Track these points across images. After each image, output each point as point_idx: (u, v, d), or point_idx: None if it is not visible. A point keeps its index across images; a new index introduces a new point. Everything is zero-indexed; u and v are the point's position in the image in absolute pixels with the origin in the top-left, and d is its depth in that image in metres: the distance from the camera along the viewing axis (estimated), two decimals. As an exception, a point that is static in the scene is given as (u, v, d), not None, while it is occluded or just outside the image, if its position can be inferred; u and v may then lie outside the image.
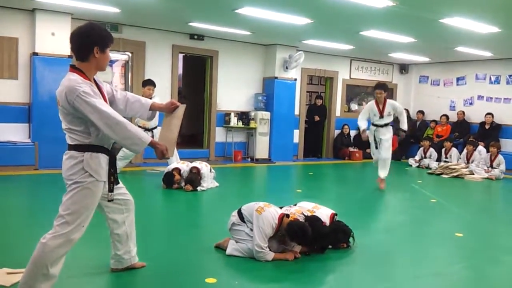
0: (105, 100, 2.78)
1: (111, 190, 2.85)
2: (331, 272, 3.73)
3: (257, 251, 3.66)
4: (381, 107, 7.18)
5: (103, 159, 2.77)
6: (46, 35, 7.67)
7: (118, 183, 2.99)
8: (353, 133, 12.09)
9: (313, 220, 3.90)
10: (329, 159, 11.75)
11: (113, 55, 9.36)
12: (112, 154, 2.85)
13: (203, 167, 6.77)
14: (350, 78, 12.22)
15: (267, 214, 3.73)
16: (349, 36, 8.96)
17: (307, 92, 12.11)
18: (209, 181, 6.78)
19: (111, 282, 3.22)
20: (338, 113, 12.10)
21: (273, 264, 3.66)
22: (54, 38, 7.73)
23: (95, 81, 2.79)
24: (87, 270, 3.39)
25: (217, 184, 6.97)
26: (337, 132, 12.01)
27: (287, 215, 3.81)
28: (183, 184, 6.63)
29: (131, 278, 3.26)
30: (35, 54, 7.63)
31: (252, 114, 10.29)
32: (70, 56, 7.87)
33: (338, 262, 3.90)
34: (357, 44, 9.88)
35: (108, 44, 2.76)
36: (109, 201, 2.90)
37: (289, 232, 3.70)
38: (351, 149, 11.73)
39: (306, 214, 4.02)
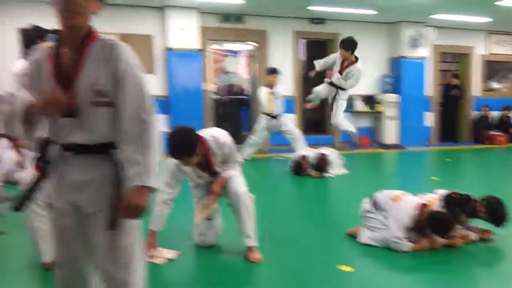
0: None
1: None
2: (476, 264, 3.37)
3: (392, 242, 3.46)
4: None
5: None
6: (177, 30, 8.14)
7: None
8: (494, 114, 10.90)
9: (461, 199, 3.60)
10: (467, 143, 10.74)
11: (238, 46, 9.66)
12: None
13: (331, 153, 6.64)
14: (489, 53, 11.00)
15: (404, 203, 3.50)
16: (485, 8, 8.02)
17: (440, 71, 11.20)
18: (337, 168, 6.63)
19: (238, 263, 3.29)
20: (476, 93, 11.00)
21: (410, 254, 3.42)
22: (184, 33, 8.17)
23: None
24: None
25: (345, 171, 6.78)
26: (475, 113, 10.94)
27: (426, 205, 3.52)
28: (310, 170, 6.58)
29: (261, 265, 3.28)
30: (168, 49, 8.16)
31: (379, 97, 9.83)
32: (200, 50, 8.28)
33: (483, 255, 3.52)
34: (495, 16, 8.83)
35: None
36: None
37: (429, 223, 3.43)
38: (492, 132, 10.59)
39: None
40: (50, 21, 7.72)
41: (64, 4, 1.66)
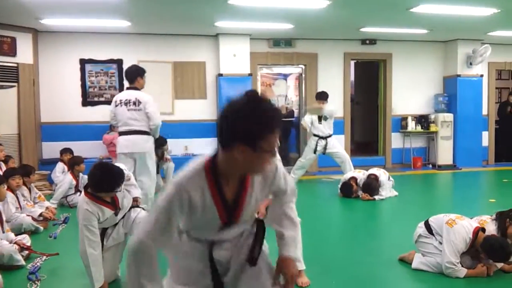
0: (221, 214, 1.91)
1: None
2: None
3: (447, 267, 3.38)
4: None
5: None
6: (229, 57, 8.42)
7: None
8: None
9: None
10: (527, 163, 10.26)
11: (287, 69, 9.80)
12: None
13: (381, 174, 6.56)
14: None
15: (460, 227, 3.41)
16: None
17: (496, 88, 10.81)
18: (387, 190, 6.53)
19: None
20: (536, 110, 10.50)
21: (465, 281, 3.34)
22: (235, 59, 8.43)
23: None
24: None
25: (396, 193, 6.66)
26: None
27: (483, 229, 3.42)
28: (360, 193, 6.52)
29: None
30: (220, 75, 8.43)
31: (432, 116, 9.62)
32: (250, 74, 8.51)
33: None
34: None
35: None
36: None
37: (485, 249, 3.32)
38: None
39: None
40: (108, 51, 8.25)
41: (265, 166, 1.75)
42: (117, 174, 3.13)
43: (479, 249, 3.37)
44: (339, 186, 6.75)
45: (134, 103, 5.24)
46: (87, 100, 8.22)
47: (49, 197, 6.23)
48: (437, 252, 3.51)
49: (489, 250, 3.31)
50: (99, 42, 8.19)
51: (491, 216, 3.67)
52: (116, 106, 5.31)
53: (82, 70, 8.16)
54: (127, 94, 5.35)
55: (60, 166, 6.91)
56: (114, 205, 3.21)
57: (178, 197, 1.75)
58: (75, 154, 6.99)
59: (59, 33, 7.96)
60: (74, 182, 6.23)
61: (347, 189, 6.59)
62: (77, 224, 3.12)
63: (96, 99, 8.28)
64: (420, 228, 3.72)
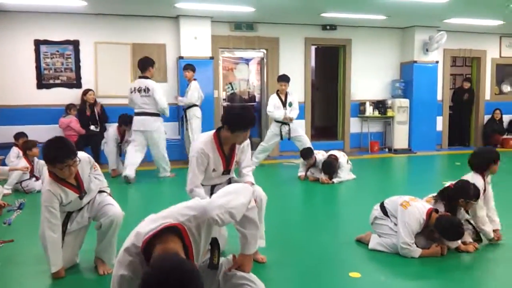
0: (223, 164, 3.40)
1: None
2: (485, 270, 3.42)
3: (402, 248, 3.50)
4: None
5: None
6: (190, 39, 8.29)
7: None
8: (506, 118, 10.85)
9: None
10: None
11: (249, 53, 9.76)
12: None
13: (341, 156, 6.70)
14: (501, 57, 10.96)
15: (414, 209, 3.53)
16: (497, 11, 8.01)
17: (451, 75, 11.19)
18: (345, 172, 6.68)
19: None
20: (487, 97, 10.96)
21: (420, 260, 3.47)
22: (197, 42, 8.32)
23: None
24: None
25: (354, 176, 6.83)
26: (487, 117, 10.89)
27: (436, 210, 3.57)
28: (320, 175, 6.62)
29: (270, 271, 3.36)
30: (180, 57, 8.30)
31: (389, 102, 9.86)
32: (211, 58, 8.42)
33: (493, 260, 3.57)
34: (507, 19, 8.81)
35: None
36: None
37: (438, 228, 3.46)
38: (504, 136, 10.54)
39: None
40: (64, 32, 7.97)
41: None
42: (66, 145, 2.96)
43: (433, 229, 3.50)
44: (299, 153, 6.90)
45: (145, 90, 6.55)
46: (42, 82, 7.93)
47: (3, 182, 6.01)
48: (392, 233, 3.63)
49: (442, 230, 3.44)
50: (55, 23, 7.87)
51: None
52: (131, 93, 6.62)
53: (37, 51, 7.84)
54: (139, 83, 6.61)
55: (14, 150, 6.65)
56: (79, 189, 3.12)
57: (202, 154, 3.26)
58: (31, 138, 6.75)
59: (13, 13, 7.60)
60: (29, 167, 6.04)
61: (307, 152, 6.74)
62: (32, 210, 3.04)
63: (51, 81, 7.99)
64: (376, 211, 3.83)
